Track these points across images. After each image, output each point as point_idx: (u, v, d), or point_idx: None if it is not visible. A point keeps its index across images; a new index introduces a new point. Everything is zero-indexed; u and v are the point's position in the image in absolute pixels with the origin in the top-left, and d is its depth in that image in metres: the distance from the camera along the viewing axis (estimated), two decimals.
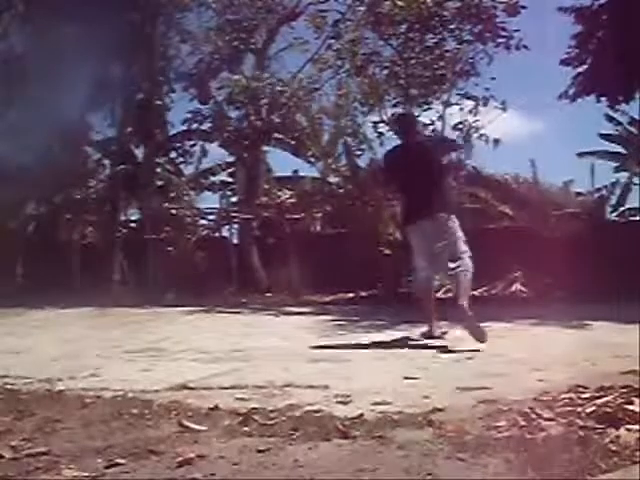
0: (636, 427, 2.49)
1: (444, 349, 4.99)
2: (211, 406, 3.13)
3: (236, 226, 14.89)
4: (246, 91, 12.90)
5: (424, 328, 5.57)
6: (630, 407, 2.72)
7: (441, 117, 11.48)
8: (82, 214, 15.76)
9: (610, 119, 16.31)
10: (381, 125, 11.65)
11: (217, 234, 15.43)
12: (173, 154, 16.39)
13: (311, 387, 3.65)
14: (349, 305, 10.32)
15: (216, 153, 16.61)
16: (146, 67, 14.08)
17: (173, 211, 15.21)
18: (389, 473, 2.24)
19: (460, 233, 5.53)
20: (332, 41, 12.34)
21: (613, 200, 14.93)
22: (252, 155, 14.66)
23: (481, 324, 5.09)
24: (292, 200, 15.45)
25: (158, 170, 16.01)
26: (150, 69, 14.15)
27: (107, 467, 2.39)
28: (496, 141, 11.43)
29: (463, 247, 5.49)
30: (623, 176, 15.96)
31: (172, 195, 15.94)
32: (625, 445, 2.33)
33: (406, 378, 3.90)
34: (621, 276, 9.41)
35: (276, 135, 14.82)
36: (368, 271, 11.88)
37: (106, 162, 16.65)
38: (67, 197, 15.29)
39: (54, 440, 2.72)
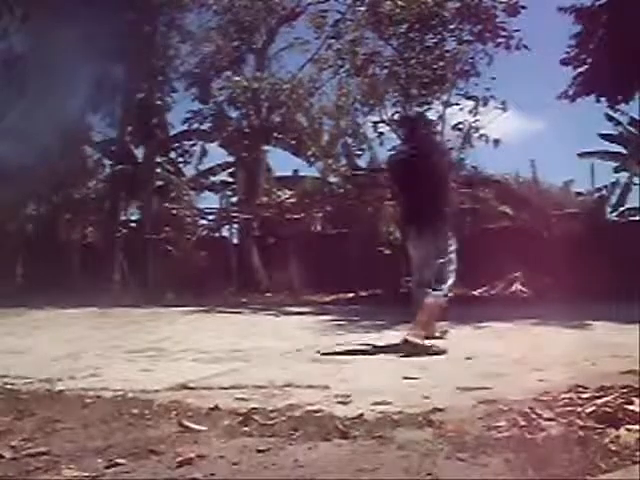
0: (636, 427, 2.49)
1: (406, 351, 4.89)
2: (211, 406, 3.13)
3: (236, 226, 14.91)
4: (247, 91, 12.91)
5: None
6: (630, 407, 2.72)
7: (441, 117, 11.49)
8: (82, 214, 15.78)
9: (610, 119, 16.32)
10: (381, 125, 11.68)
11: (217, 234, 15.44)
12: (173, 154, 16.40)
13: (311, 387, 3.65)
14: (349, 305, 10.32)
15: (216, 153, 16.67)
16: (146, 67, 14.08)
17: (173, 211, 15.22)
18: (389, 473, 2.24)
19: (450, 256, 5.26)
20: (332, 41, 12.35)
21: (613, 200, 14.97)
22: (252, 155, 14.67)
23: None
24: (292, 200, 15.47)
25: (158, 170, 16.02)
26: (150, 69, 14.15)
27: (107, 467, 2.38)
28: (496, 141, 11.45)
29: (444, 274, 5.20)
30: (623, 176, 15.99)
31: (172, 195, 15.95)
32: (625, 445, 2.33)
33: (406, 378, 3.90)
34: (621, 276, 9.43)
35: (276, 135, 14.83)
36: (368, 271, 11.89)
37: (106, 162, 16.69)
38: (67, 197, 15.31)
39: (54, 440, 2.72)
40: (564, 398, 3.03)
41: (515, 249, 11.18)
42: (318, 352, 5.03)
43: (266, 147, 15.39)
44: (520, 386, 3.44)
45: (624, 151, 17.04)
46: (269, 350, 5.37)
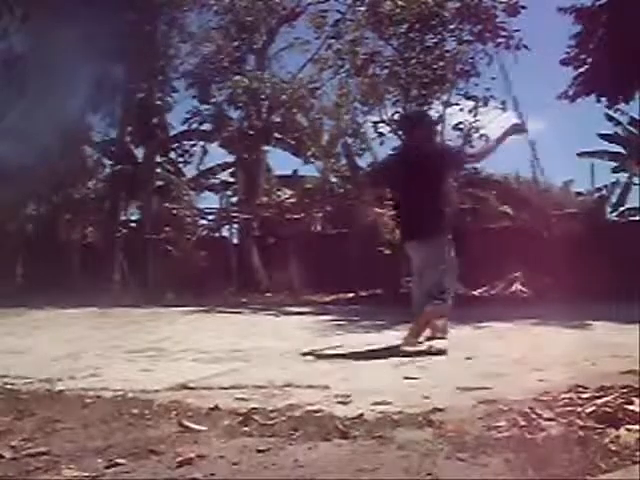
0: (636, 427, 2.49)
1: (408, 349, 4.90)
2: (211, 406, 3.13)
3: (236, 226, 14.90)
4: (247, 91, 12.91)
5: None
6: (630, 407, 2.72)
7: (441, 117, 11.49)
8: (82, 214, 15.77)
9: (610, 119, 16.32)
10: (381, 125, 11.68)
11: (217, 234, 15.44)
12: (173, 154, 16.40)
13: (311, 387, 3.65)
14: (349, 305, 10.32)
15: (216, 153, 16.66)
16: (146, 67, 14.08)
17: (173, 211, 15.22)
18: (389, 473, 2.24)
19: (444, 264, 5.08)
20: (332, 41, 12.35)
21: (613, 200, 14.97)
22: (252, 155, 14.67)
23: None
24: (292, 200, 15.47)
25: (158, 170, 16.02)
26: (150, 69, 14.15)
27: (107, 467, 2.38)
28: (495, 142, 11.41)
29: (444, 281, 5.05)
30: (623, 176, 16.00)
31: (172, 195, 15.95)
32: (625, 445, 2.33)
33: (406, 378, 3.90)
34: (621, 276, 9.42)
35: (276, 135, 14.83)
36: (368, 271, 11.88)
37: (106, 162, 16.69)
38: (67, 197, 15.30)
39: (54, 440, 2.72)
40: (564, 398, 3.03)
41: (515, 249, 11.18)
42: (308, 354, 4.99)
43: (266, 147, 15.39)
44: (520, 386, 3.44)
45: (624, 151, 17.05)
46: (269, 350, 5.37)
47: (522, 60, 11.48)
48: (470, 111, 11.35)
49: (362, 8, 11.96)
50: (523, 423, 2.66)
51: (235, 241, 14.75)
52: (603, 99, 11.77)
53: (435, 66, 11.29)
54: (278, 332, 6.74)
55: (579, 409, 2.81)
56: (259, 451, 2.48)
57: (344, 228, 13.85)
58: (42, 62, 12.34)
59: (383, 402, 3.18)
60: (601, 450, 2.29)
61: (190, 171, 17.05)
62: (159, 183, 16.12)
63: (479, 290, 11.57)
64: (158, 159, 15.93)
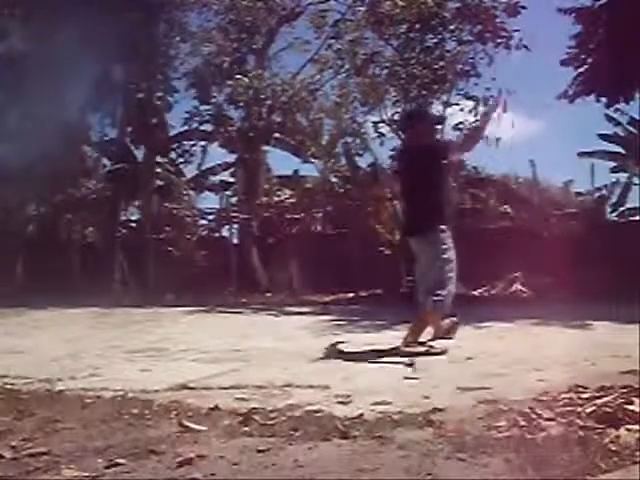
0: (636, 427, 2.49)
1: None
2: (211, 406, 3.13)
3: (236, 226, 14.90)
4: (248, 91, 12.91)
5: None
6: (630, 407, 2.72)
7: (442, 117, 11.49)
8: (82, 214, 15.77)
9: (610, 119, 16.31)
10: (381, 125, 11.68)
11: (217, 234, 15.44)
12: (173, 154, 16.40)
13: (311, 387, 3.65)
14: (349, 305, 10.32)
15: (216, 153, 16.66)
16: (146, 67, 14.08)
17: (173, 211, 15.22)
18: (389, 473, 2.24)
19: (445, 255, 5.04)
20: (332, 41, 12.36)
21: (613, 200, 14.95)
22: (252, 155, 14.67)
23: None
24: (292, 200, 15.46)
25: (158, 170, 16.02)
26: (150, 69, 14.15)
27: (107, 467, 2.39)
28: (497, 139, 11.45)
29: (444, 279, 5.02)
30: (623, 176, 15.98)
31: (172, 195, 15.95)
32: (625, 445, 2.33)
33: (406, 378, 3.91)
34: (621, 276, 9.42)
35: (276, 135, 14.83)
36: (368, 271, 11.88)
37: (106, 162, 16.69)
38: (67, 197, 15.30)
39: (54, 440, 2.72)
40: (564, 398, 3.03)
41: (515, 249, 11.17)
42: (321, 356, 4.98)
43: (266, 147, 15.39)
44: (520, 386, 3.44)
45: (623, 151, 17.03)
46: (269, 350, 5.37)
47: (522, 60, 11.50)
48: (470, 111, 11.36)
49: (362, 8, 11.97)
50: (523, 423, 2.66)
51: (235, 241, 14.75)
52: (603, 99, 11.77)
53: (435, 66, 11.29)
54: (278, 332, 6.74)
55: (579, 409, 2.81)
56: (259, 451, 2.48)
57: (344, 228, 13.84)
58: (42, 62, 12.34)
59: (383, 402, 3.18)
60: (601, 450, 2.30)
61: (191, 171, 17.09)
62: (159, 183, 16.13)
63: (479, 290, 11.57)
64: (158, 159, 15.93)
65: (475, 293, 11.35)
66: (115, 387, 3.75)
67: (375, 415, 2.92)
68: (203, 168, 17.26)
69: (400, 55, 11.48)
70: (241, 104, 13.56)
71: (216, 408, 3.11)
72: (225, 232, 15.19)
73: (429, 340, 5.09)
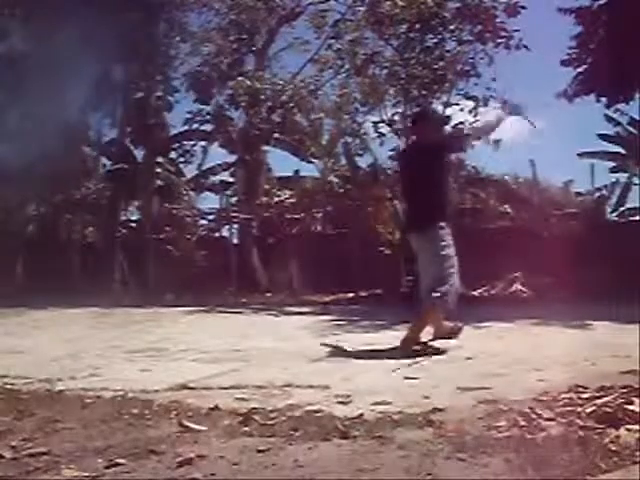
0: (636, 427, 2.49)
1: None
2: (211, 406, 3.13)
3: (236, 226, 14.90)
4: (248, 91, 12.91)
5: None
6: (630, 407, 2.72)
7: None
8: (82, 214, 15.77)
9: (610, 119, 16.31)
10: (381, 125, 11.68)
11: (217, 234, 15.44)
12: (173, 154, 16.41)
13: (311, 387, 3.65)
14: (349, 305, 10.32)
15: (216, 153, 16.67)
16: (146, 67, 14.08)
17: (173, 211, 15.23)
18: (389, 473, 2.24)
19: (444, 251, 5.03)
20: (332, 41, 12.37)
21: (613, 200, 14.96)
22: (252, 155, 14.67)
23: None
24: (292, 200, 15.46)
25: (158, 170, 16.03)
26: (150, 69, 14.16)
27: (107, 467, 2.38)
28: (496, 141, 11.46)
29: (444, 275, 4.99)
30: (623, 176, 15.98)
31: (172, 195, 15.95)
32: (625, 445, 2.33)
33: (406, 378, 3.90)
34: (621, 276, 9.41)
35: (276, 135, 14.83)
36: (368, 271, 11.89)
37: (106, 162, 16.70)
38: (67, 197, 15.30)
39: (54, 440, 2.72)
40: (564, 398, 3.03)
41: (515, 249, 11.17)
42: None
43: (266, 147, 15.39)
44: (520, 386, 3.44)
45: (623, 151, 17.03)
46: (269, 350, 5.37)
47: (522, 60, 11.50)
48: (470, 111, 11.36)
49: (362, 8, 11.98)
50: (523, 423, 2.66)
51: (235, 241, 14.76)
52: (603, 99, 11.77)
53: (435, 66, 11.29)
54: (278, 332, 6.74)
55: (579, 409, 2.81)
56: (259, 451, 2.48)
57: (344, 228, 13.85)
58: (42, 62, 12.34)
59: (383, 402, 3.18)
60: (601, 450, 2.29)
61: (191, 171, 17.10)
62: (159, 183, 16.14)
63: (479, 290, 11.57)
64: (158, 159, 15.94)
65: (475, 293, 11.34)
66: (115, 387, 3.75)
67: (375, 415, 2.92)
68: (203, 168, 17.29)
69: (400, 55, 11.48)
70: (241, 104, 13.56)
71: (216, 408, 3.10)
72: (225, 232, 15.21)
73: (430, 340, 5.09)
